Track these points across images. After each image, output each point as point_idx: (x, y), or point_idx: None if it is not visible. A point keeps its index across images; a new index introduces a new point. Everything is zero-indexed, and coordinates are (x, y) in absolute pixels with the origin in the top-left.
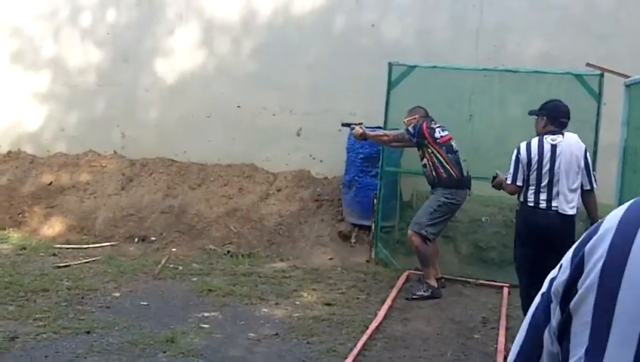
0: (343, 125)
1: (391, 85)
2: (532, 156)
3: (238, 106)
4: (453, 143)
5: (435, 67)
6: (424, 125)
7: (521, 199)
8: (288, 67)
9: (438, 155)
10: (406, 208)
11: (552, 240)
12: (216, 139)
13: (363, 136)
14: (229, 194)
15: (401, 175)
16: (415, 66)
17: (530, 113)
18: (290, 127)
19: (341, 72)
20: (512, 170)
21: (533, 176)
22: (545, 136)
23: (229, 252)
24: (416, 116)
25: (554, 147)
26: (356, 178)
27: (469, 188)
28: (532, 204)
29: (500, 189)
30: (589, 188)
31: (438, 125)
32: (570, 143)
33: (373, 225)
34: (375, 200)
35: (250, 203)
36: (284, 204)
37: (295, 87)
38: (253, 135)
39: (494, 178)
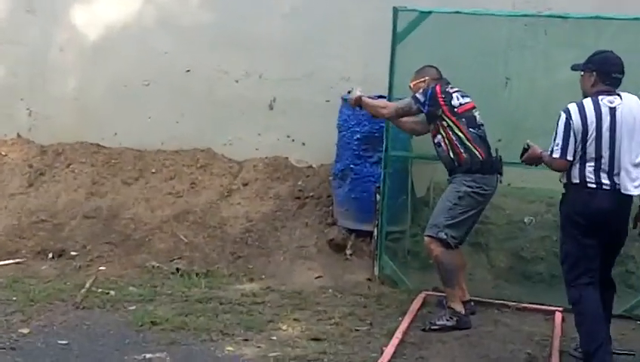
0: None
1: (397, 38)
2: (589, 123)
3: (188, 70)
4: (476, 114)
5: (457, 13)
6: (437, 88)
7: (575, 180)
8: (256, 16)
9: (457, 129)
10: (420, 206)
11: (616, 226)
12: (159, 115)
13: (357, 103)
14: (178, 190)
15: (413, 161)
16: (430, 12)
17: (575, 68)
18: (260, 98)
19: (328, 21)
20: (560, 140)
21: (590, 149)
22: (600, 97)
23: (178, 270)
24: (426, 78)
25: (613, 111)
26: (352, 166)
27: (500, 173)
28: (594, 185)
29: (532, 165)
30: None
31: (455, 89)
32: (630, 106)
33: (375, 230)
34: (378, 197)
35: (206, 202)
36: (254, 203)
37: (266, 43)
38: (208, 109)
39: (525, 150)
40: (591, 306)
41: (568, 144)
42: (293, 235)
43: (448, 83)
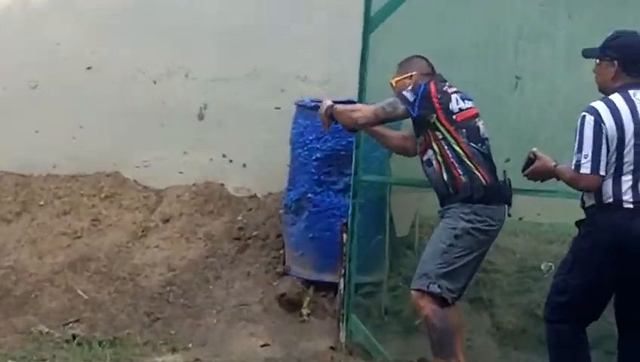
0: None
1: (370, 24)
2: (625, 126)
3: (89, 67)
4: (480, 124)
5: None
6: (432, 86)
7: (608, 198)
8: None
9: (454, 143)
10: (402, 250)
11: None
12: (50, 128)
13: (331, 115)
14: (75, 229)
15: (392, 188)
16: None
17: (588, 54)
18: (186, 104)
19: (278, 2)
20: (589, 151)
21: (628, 158)
22: (632, 92)
23: (75, 337)
24: (414, 73)
25: None
26: (310, 196)
27: (509, 204)
28: (631, 205)
29: (537, 180)
30: None
31: (454, 90)
32: None
33: (342, 281)
34: (345, 237)
35: (113, 245)
36: (178, 246)
37: (195, 29)
38: (117, 120)
39: (530, 162)
40: (587, 353)
41: (600, 155)
42: (231, 289)
43: (444, 80)
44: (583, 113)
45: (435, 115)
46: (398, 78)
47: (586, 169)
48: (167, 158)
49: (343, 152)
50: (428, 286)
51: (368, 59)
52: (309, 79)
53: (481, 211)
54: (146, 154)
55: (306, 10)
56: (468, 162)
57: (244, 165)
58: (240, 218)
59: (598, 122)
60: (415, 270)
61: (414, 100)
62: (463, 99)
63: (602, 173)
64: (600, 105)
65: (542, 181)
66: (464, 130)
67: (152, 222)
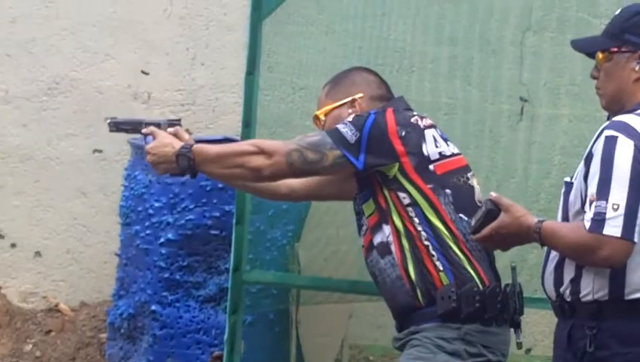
0: (114, 127)
1: (261, 15)
2: None
3: None
4: (474, 183)
5: None
6: (389, 116)
7: (635, 288)
8: None
9: (432, 215)
10: None
11: None
12: None
13: (190, 163)
14: None
15: (301, 296)
16: None
17: (582, 46)
18: None
19: None
20: (623, 198)
21: None
22: None
23: None
24: (360, 95)
25: None
26: (154, 307)
27: (517, 326)
28: None
29: (497, 248)
30: None
31: (429, 122)
32: None
33: None
34: None
35: None
36: None
37: None
38: None
39: (491, 214)
40: None
41: (638, 209)
42: None
43: (410, 108)
44: (613, 133)
45: (397, 165)
46: (330, 107)
47: (614, 228)
48: None
49: (213, 231)
50: None
51: (259, 60)
52: (155, 97)
53: (475, 337)
54: None
55: None
56: (456, 250)
57: (38, 254)
58: (30, 347)
59: None
60: None
61: (358, 141)
62: (445, 140)
63: (636, 239)
64: None
65: (504, 249)
66: (448, 192)
67: None
